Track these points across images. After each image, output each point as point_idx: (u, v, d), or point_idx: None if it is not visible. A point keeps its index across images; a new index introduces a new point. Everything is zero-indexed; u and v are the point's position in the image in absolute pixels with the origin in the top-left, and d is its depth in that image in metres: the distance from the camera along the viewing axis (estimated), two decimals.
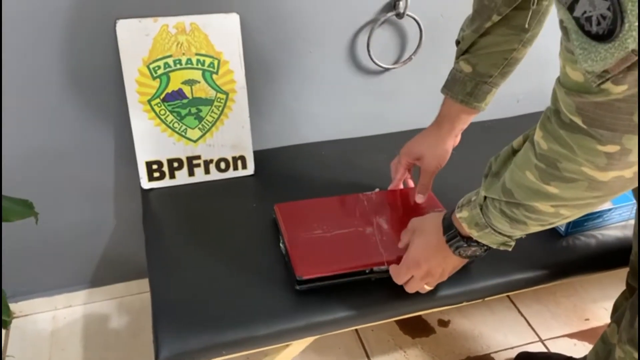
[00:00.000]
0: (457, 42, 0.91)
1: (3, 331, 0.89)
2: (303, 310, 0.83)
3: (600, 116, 0.50)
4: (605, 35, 0.44)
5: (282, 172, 1.13)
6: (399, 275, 0.83)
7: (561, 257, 0.96)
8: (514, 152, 0.67)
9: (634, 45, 0.43)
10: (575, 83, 0.51)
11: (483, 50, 0.87)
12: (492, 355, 1.22)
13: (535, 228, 0.68)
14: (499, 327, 1.28)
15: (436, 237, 0.79)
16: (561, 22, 0.49)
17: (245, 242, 0.95)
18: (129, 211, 1.20)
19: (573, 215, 0.64)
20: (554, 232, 0.99)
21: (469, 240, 0.76)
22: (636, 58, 0.44)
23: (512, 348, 1.23)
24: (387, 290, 0.85)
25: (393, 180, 1.03)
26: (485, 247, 0.77)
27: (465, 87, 0.90)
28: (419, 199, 0.98)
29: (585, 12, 0.45)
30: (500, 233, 0.72)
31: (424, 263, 0.81)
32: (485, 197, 0.71)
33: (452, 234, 0.77)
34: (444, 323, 1.29)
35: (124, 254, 1.28)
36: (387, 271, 0.86)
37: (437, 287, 0.86)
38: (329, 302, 0.84)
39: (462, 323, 1.29)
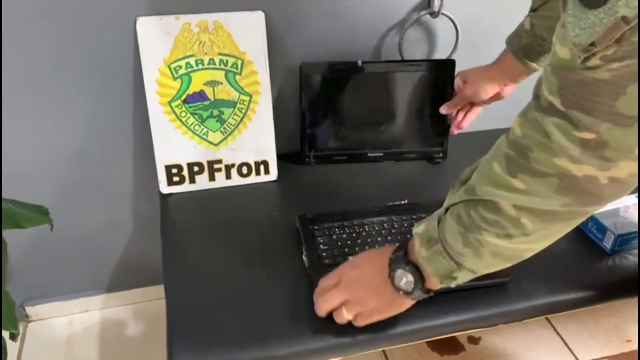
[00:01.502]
0: None
1: (10, 342, 0.85)
2: (327, 329, 0.77)
3: (581, 98, 0.47)
4: (598, 2, 0.41)
5: (307, 178, 1.09)
6: (320, 292, 0.74)
7: (607, 278, 0.88)
8: None
9: (625, 12, 0.40)
10: (561, 60, 0.48)
11: (545, 12, 0.86)
12: None
13: (491, 239, 0.58)
14: (533, 346, 1.21)
15: (381, 252, 0.71)
16: None
17: (266, 253, 0.90)
18: (147, 216, 1.16)
19: (535, 230, 0.56)
20: (598, 250, 0.91)
21: (410, 265, 0.67)
22: (625, 28, 0.40)
23: None
24: (416, 310, 0.78)
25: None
26: (421, 284, 0.66)
27: (521, 41, 0.91)
28: (442, 109, 1.07)
29: None
30: (449, 255, 0.63)
31: (354, 283, 0.71)
32: (446, 209, 0.64)
33: (399, 254, 0.68)
34: (474, 340, 1.22)
35: (142, 259, 1.25)
36: None
37: (474, 307, 0.80)
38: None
39: (494, 341, 1.22)
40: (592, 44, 0.43)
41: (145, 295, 1.31)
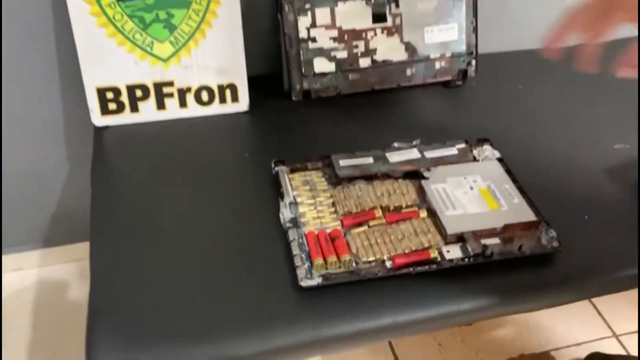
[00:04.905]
0: None
1: None
2: (310, 317, 0.59)
3: None
4: None
5: (289, 110, 0.90)
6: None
7: None
8: None
9: None
10: None
11: None
12: (552, 353, 1.00)
13: None
14: (561, 317, 1.06)
15: None
16: None
17: (231, 208, 0.72)
18: (84, 155, 0.97)
19: None
20: None
21: None
22: None
23: (577, 345, 1.02)
24: (430, 289, 0.61)
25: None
26: None
27: None
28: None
29: None
30: None
31: None
32: None
33: None
34: None
35: (84, 208, 1.05)
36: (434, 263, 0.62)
37: (508, 287, 0.62)
38: (347, 306, 0.60)
39: None
40: None
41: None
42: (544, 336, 1.03)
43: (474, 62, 0.92)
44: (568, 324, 1.05)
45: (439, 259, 0.62)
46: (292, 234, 0.64)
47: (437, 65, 0.91)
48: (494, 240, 0.63)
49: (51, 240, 1.13)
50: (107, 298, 0.61)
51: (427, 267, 0.61)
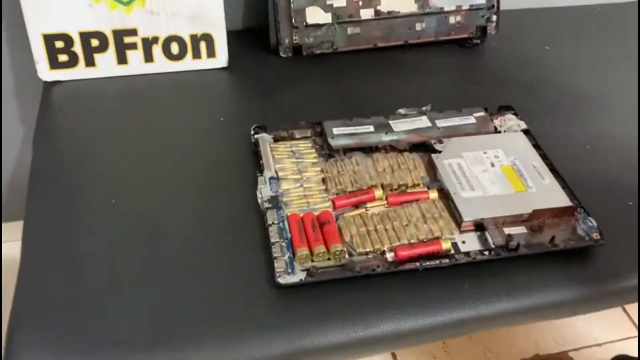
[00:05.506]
0: None
1: None
2: (289, 323, 0.52)
3: None
4: None
5: (275, 68, 0.83)
6: None
7: None
8: None
9: None
10: None
11: None
12: (570, 353, 0.93)
13: None
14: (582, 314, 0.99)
15: None
16: None
17: (201, 185, 0.64)
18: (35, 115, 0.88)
19: None
20: None
21: None
22: None
23: (599, 345, 0.95)
24: (441, 289, 0.54)
25: None
26: None
27: None
28: None
29: None
30: None
31: None
32: None
33: None
34: None
35: None
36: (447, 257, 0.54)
37: (540, 287, 0.55)
38: (336, 310, 0.52)
39: None
40: None
41: None
42: (560, 334, 0.97)
43: (494, 17, 0.86)
44: (588, 321, 0.97)
45: (452, 251, 0.55)
46: (270, 217, 0.57)
47: (452, 19, 0.85)
48: (519, 230, 0.56)
49: (8, 214, 1.06)
50: (35, 292, 0.52)
51: (437, 261, 0.54)
